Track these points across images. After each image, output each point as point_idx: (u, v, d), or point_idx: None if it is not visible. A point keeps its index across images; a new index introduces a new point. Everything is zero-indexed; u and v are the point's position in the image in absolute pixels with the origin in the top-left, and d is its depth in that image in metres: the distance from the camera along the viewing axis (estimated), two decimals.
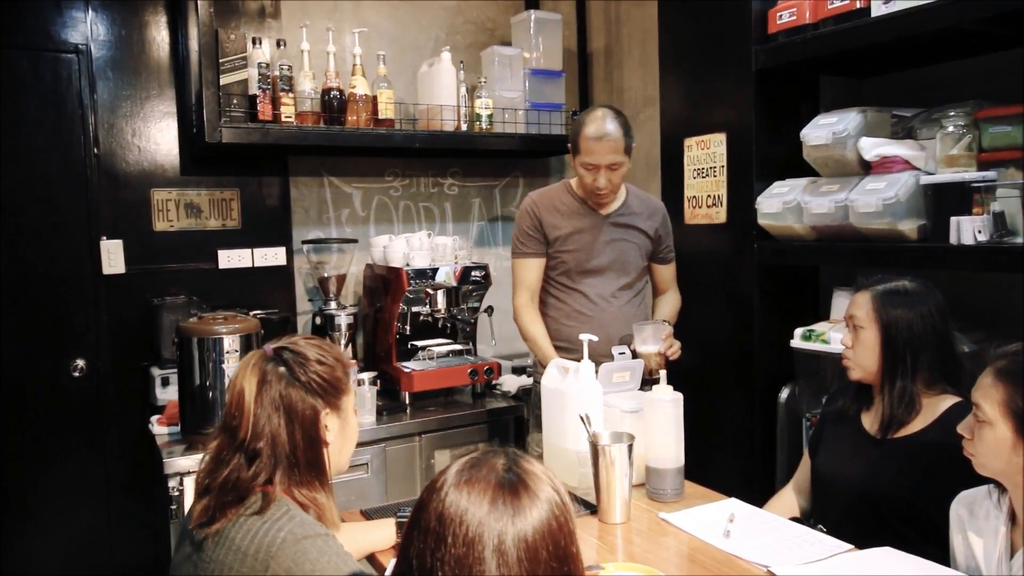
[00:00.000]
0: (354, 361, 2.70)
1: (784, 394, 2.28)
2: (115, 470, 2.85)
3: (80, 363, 2.79)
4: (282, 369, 1.29)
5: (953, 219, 1.80)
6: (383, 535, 1.63)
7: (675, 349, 2.25)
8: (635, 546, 1.61)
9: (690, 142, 2.52)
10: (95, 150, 2.80)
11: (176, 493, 2.26)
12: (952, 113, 1.89)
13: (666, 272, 2.50)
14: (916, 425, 1.65)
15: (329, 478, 1.33)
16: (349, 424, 1.39)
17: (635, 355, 2.18)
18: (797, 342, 2.21)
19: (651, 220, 2.42)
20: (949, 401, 1.64)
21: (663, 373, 1.86)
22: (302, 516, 1.22)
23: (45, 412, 2.75)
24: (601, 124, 2.22)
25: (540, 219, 2.36)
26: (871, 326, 1.68)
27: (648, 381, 2.07)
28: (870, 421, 1.74)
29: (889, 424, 1.66)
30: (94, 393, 2.82)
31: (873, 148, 2.01)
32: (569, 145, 2.35)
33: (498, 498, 0.84)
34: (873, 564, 1.45)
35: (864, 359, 1.70)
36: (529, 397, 2.61)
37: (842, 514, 1.71)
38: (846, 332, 1.75)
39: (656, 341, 2.21)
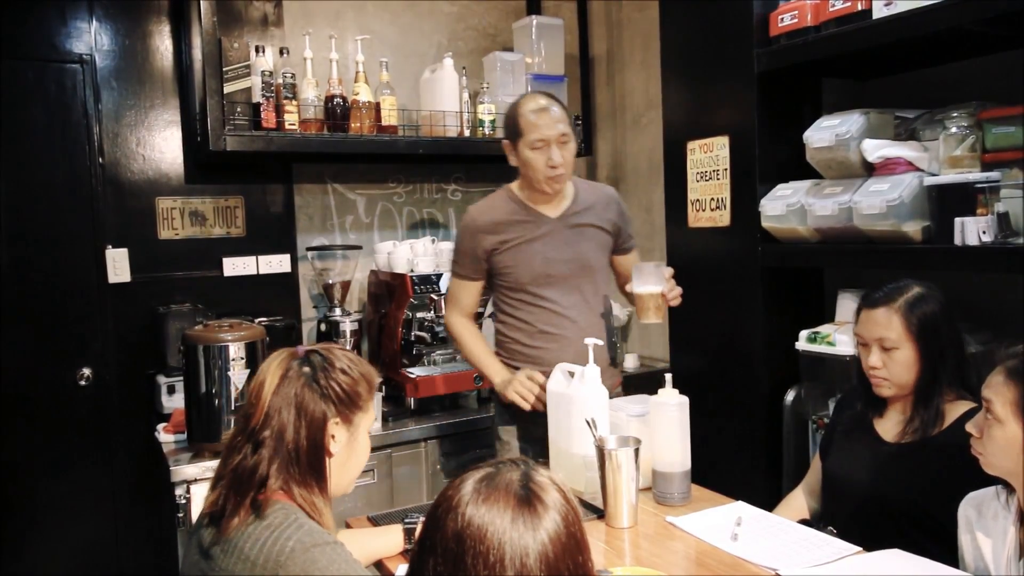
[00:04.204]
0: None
1: (790, 396, 2.28)
2: (121, 478, 2.86)
3: (86, 372, 2.80)
4: (306, 369, 1.32)
5: (957, 220, 1.80)
6: (391, 541, 1.63)
7: (677, 292, 2.09)
8: (642, 550, 1.61)
9: (693, 145, 2.52)
10: (100, 159, 2.81)
11: (183, 501, 2.26)
12: (955, 114, 1.89)
13: (631, 260, 2.34)
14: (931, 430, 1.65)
15: (329, 486, 1.33)
16: (359, 442, 1.38)
17: (631, 298, 2.11)
18: (802, 344, 2.21)
19: (607, 211, 2.27)
20: (964, 406, 1.64)
21: (668, 376, 1.85)
22: (310, 524, 1.23)
23: (51, 421, 2.76)
24: (539, 100, 2.13)
25: (478, 240, 2.19)
26: (906, 343, 1.65)
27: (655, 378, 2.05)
28: (883, 426, 1.74)
29: (923, 438, 1.65)
30: (100, 401, 2.83)
31: (876, 150, 2.01)
32: (506, 141, 2.18)
33: (518, 517, 0.81)
34: (881, 566, 1.44)
35: (901, 376, 1.67)
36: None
37: (852, 516, 1.71)
38: (873, 353, 1.69)
39: (658, 281, 2.05)
